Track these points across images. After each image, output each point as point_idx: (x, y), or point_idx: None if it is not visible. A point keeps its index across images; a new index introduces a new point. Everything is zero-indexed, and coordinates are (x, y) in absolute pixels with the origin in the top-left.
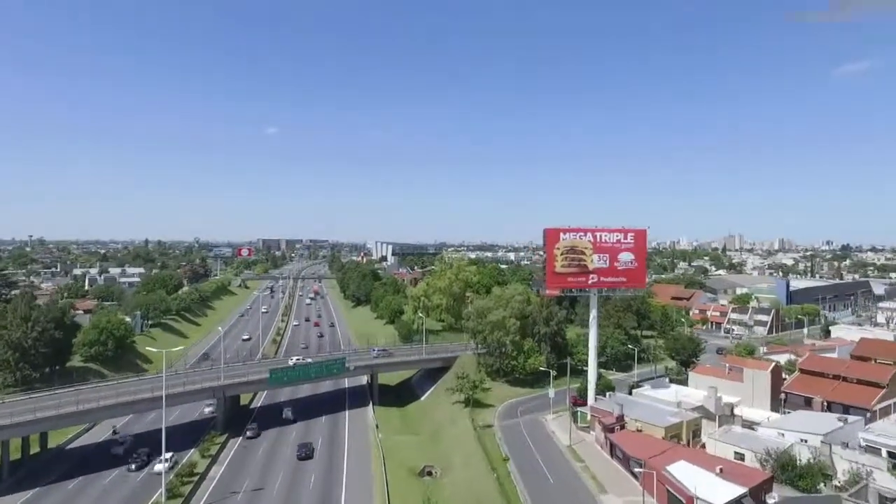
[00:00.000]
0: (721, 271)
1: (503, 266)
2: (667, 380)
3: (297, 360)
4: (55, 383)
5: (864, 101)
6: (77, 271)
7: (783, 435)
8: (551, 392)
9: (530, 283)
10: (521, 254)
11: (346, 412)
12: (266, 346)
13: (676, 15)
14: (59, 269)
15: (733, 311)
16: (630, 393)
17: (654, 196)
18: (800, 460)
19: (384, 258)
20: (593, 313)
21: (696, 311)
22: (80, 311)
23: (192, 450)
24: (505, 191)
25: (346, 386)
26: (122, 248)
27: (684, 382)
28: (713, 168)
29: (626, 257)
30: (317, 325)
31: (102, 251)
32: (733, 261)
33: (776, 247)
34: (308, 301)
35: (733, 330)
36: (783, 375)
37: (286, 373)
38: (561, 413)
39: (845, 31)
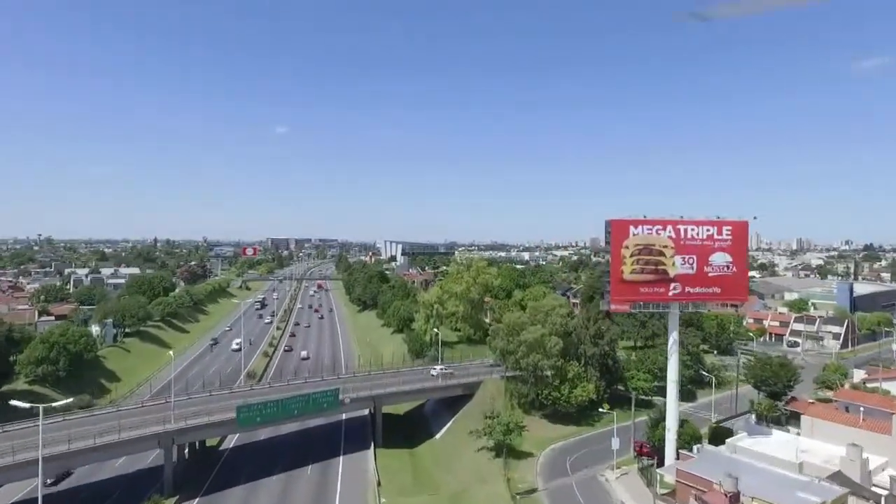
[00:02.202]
0: (754, 273)
1: (518, 266)
2: (752, 418)
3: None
4: None
5: (876, 99)
6: (70, 271)
7: None
8: (615, 442)
9: (551, 284)
10: (536, 253)
11: (341, 458)
12: (254, 363)
13: (682, 10)
14: (52, 269)
15: (796, 320)
16: (716, 440)
17: (662, 194)
18: None
19: (393, 258)
20: (673, 336)
21: (751, 321)
22: (52, 318)
23: None
24: (513, 190)
25: (343, 417)
26: (131, 247)
27: (779, 422)
28: (719, 165)
29: (719, 259)
30: (317, 311)
31: (109, 250)
32: (760, 261)
33: (794, 246)
34: (312, 293)
35: (798, 343)
36: None
37: (260, 411)
38: (626, 468)
39: (863, 26)
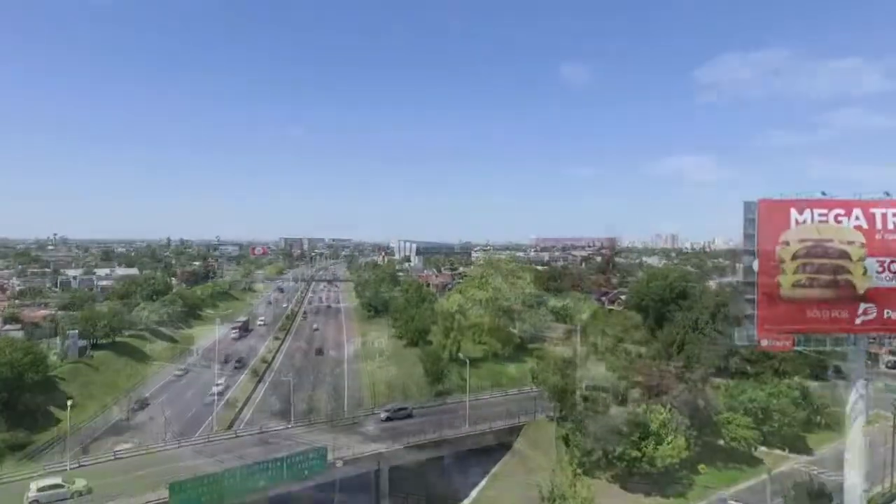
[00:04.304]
0: None
1: (539, 268)
2: None
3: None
4: None
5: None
6: (61, 272)
7: None
8: None
9: (582, 289)
10: (556, 253)
11: None
12: (237, 389)
13: (694, 9)
14: (50, 269)
15: None
16: None
17: (668, 194)
18: None
19: (408, 258)
20: (859, 388)
21: None
22: (18, 326)
23: None
24: (522, 190)
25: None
26: (146, 246)
27: None
28: (725, 163)
29: None
30: (322, 301)
31: (122, 249)
32: None
33: None
34: (321, 287)
35: None
36: None
37: (206, 489)
38: None
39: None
